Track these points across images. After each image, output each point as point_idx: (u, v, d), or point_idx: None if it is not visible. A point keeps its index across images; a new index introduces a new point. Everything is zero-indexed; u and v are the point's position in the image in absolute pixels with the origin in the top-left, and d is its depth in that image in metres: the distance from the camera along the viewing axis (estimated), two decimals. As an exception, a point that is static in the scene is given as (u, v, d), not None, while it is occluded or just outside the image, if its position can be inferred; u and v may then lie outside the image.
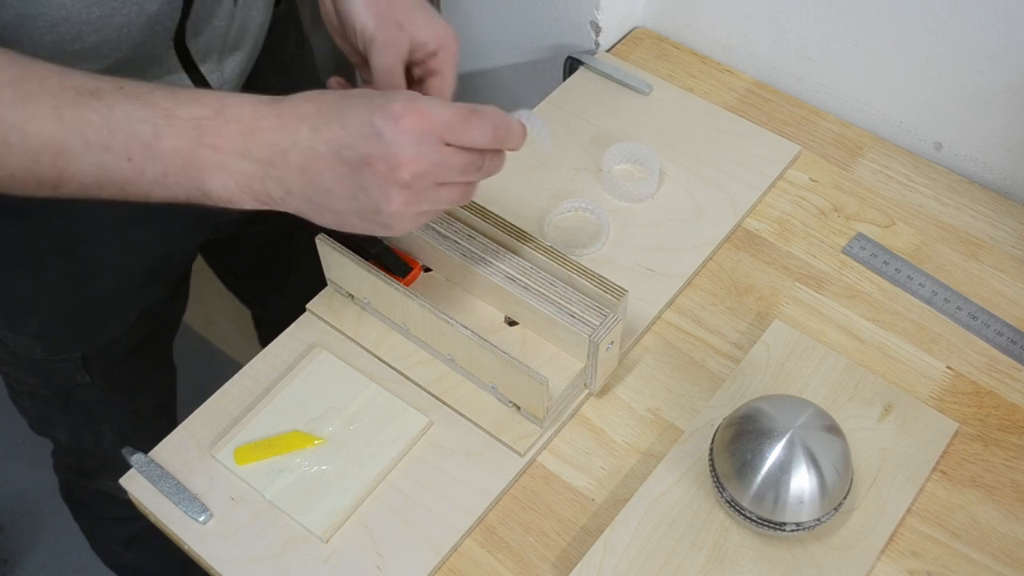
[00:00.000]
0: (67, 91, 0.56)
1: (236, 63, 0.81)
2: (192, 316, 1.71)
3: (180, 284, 1.00)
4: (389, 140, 0.56)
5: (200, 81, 0.78)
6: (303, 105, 0.59)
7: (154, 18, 0.70)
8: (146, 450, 0.71)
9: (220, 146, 0.57)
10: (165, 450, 0.72)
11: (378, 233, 0.61)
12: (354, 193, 0.58)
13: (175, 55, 0.75)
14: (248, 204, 0.59)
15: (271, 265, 1.14)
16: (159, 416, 1.06)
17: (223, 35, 0.79)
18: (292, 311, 0.79)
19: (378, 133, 0.56)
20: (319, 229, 0.72)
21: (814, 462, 0.62)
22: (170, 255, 0.92)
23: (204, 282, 1.32)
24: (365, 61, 0.72)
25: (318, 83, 1.08)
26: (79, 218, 0.82)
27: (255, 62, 0.86)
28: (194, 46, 0.76)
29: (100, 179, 0.57)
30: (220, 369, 0.84)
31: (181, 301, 1.03)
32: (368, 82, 0.73)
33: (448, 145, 0.58)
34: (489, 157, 0.61)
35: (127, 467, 0.70)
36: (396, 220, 0.59)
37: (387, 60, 0.70)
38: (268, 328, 0.84)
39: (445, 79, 0.73)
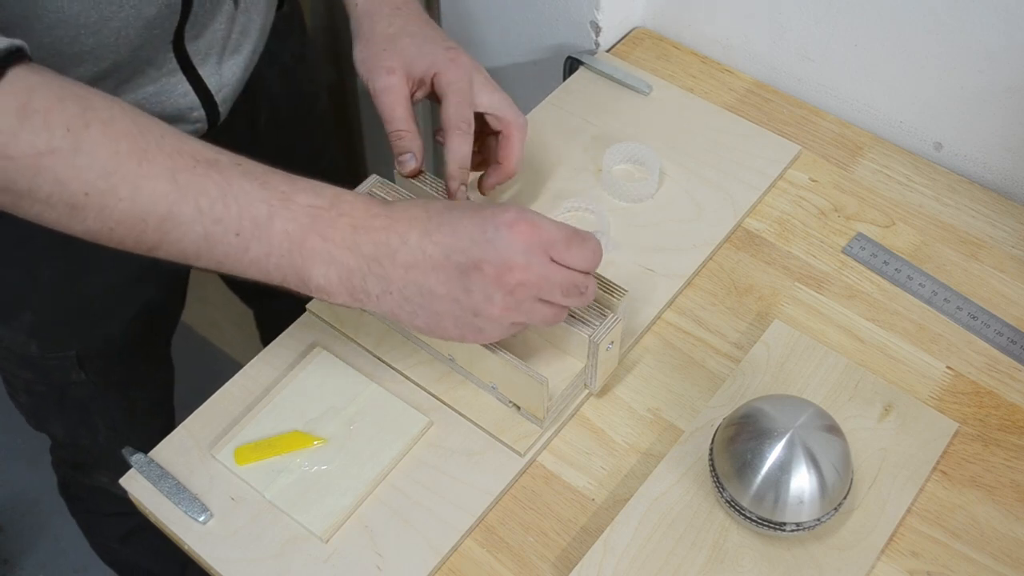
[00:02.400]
0: (184, 156, 0.56)
1: (236, 66, 0.81)
2: (193, 317, 1.71)
3: (178, 283, 1.00)
4: (501, 246, 0.58)
5: (198, 84, 0.78)
6: (413, 209, 0.60)
7: (152, 21, 0.70)
8: (141, 447, 0.71)
9: (330, 236, 0.58)
10: (165, 450, 0.71)
11: (467, 339, 0.62)
12: (457, 295, 0.59)
13: (174, 57, 0.75)
14: (342, 298, 0.60)
15: None
16: (155, 413, 1.06)
17: (223, 38, 0.78)
18: (294, 311, 0.79)
19: (490, 239, 0.58)
20: None
21: (814, 462, 0.62)
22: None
23: (205, 283, 1.33)
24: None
25: (320, 86, 1.08)
26: None
27: (255, 65, 0.86)
28: (193, 48, 0.76)
29: (201, 250, 0.57)
30: (220, 369, 0.84)
31: (179, 299, 1.03)
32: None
33: (552, 261, 0.60)
34: (591, 282, 0.63)
35: (122, 463, 0.70)
36: (490, 325, 0.61)
37: (384, 106, 0.72)
38: (270, 328, 0.84)
39: (449, 106, 0.73)
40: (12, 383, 0.97)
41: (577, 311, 0.69)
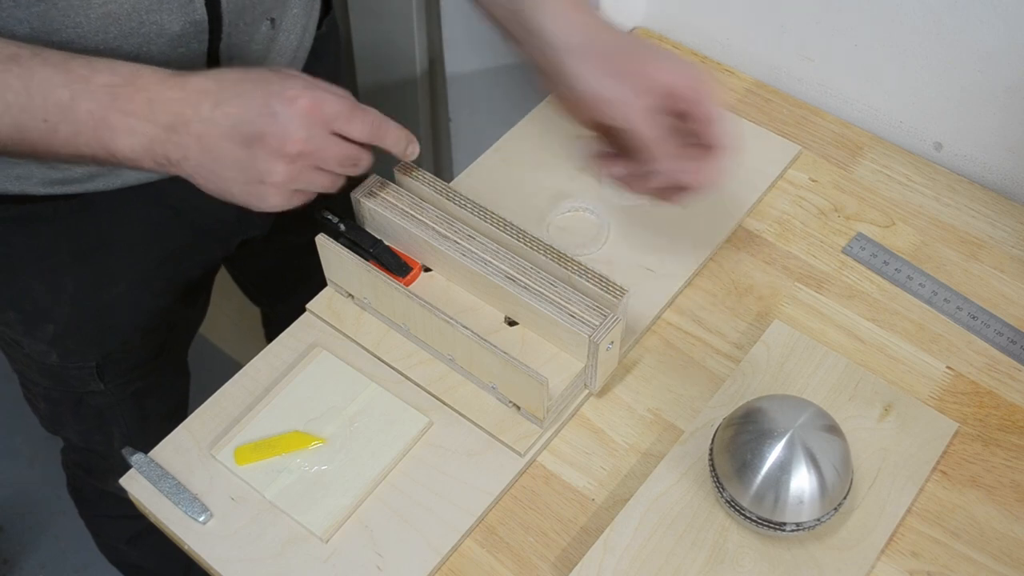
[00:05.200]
0: None
1: None
2: (192, 316, 1.71)
3: (199, 293, 1.00)
4: (283, 120, 0.62)
5: None
6: (206, 82, 0.63)
7: (177, 40, 0.70)
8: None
9: (130, 111, 0.61)
10: (165, 450, 0.72)
11: (251, 203, 0.65)
12: (244, 165, 0.63)
13: None
14: (148, 165, 0.63)
15: (288, 273, 1.14)
16: (170, 420, 1.06)
17: (260, 59, 0.78)
18: (301, 312, 0.79)
19: (273, 113, 0.62)
20: None
21: (814, 462, 0.62)
22: (189, 268, 0.92)
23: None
24: (607, 131, 0.71)
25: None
26: (97, 228, 0.82)
27: None
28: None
29: (14, 138, 0.61)
30: (220, 369, 0.84)
31: (200, 309, 1.03)
32: (611, 152, 0.72)
33: (333, 134, 0.64)
34: (365, 155, 0.67)
35: (133, 469, 0.70)
36: (272, 192, 0.64)
37: (653, 131, 0.67)
38: (277, 328, 0.85)
39: (712, 119, 0.68)
40: (31, 389, 0.98)
41: (577, 311, 0.69)
